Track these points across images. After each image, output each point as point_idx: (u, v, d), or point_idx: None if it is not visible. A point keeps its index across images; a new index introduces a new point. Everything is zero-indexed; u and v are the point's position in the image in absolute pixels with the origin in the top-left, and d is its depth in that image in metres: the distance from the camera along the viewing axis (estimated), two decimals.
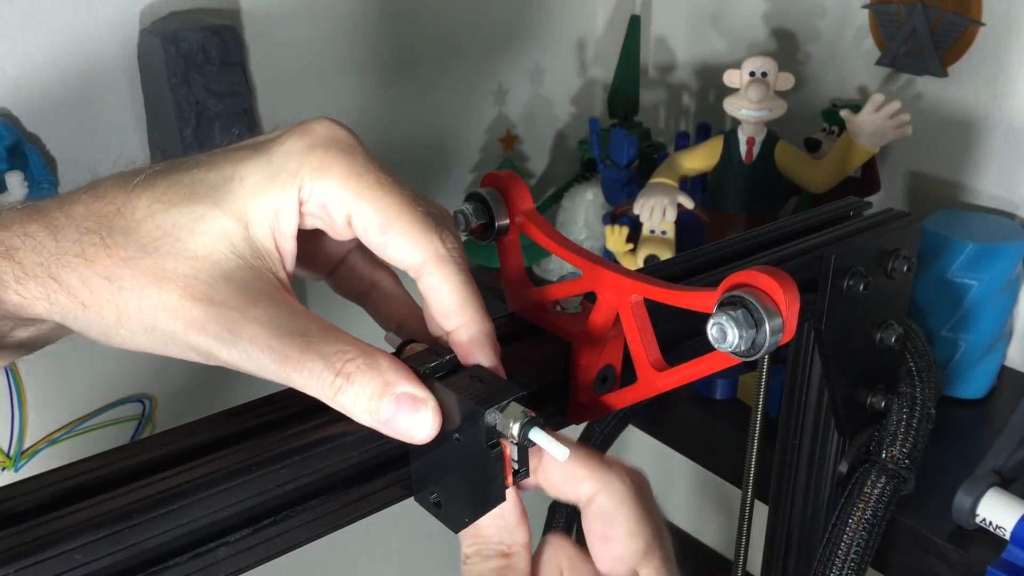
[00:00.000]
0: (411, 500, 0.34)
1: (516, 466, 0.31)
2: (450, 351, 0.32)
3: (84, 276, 0.30)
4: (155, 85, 0.88)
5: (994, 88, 0.85)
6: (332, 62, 1.02)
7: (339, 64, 1.02)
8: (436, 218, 0.32)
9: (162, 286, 0.29)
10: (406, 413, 0.30)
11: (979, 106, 0.87)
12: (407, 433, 0.31)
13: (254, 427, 0.31)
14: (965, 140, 0.88)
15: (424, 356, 0.32)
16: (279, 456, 0.30)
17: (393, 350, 0.34)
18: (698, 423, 0.84)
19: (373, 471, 0.33)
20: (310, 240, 0.35)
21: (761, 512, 0.57)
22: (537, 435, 0.30)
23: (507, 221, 0.38)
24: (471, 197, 0.38)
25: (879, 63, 0.91)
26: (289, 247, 0.32)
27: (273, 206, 0.31)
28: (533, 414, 0.30)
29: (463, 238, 0.36)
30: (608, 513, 0.33)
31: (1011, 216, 0.86)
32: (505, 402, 0.30)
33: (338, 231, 0.32)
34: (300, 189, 0.31)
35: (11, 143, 0.81)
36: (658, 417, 0.88)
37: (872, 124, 0.81)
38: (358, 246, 0.37)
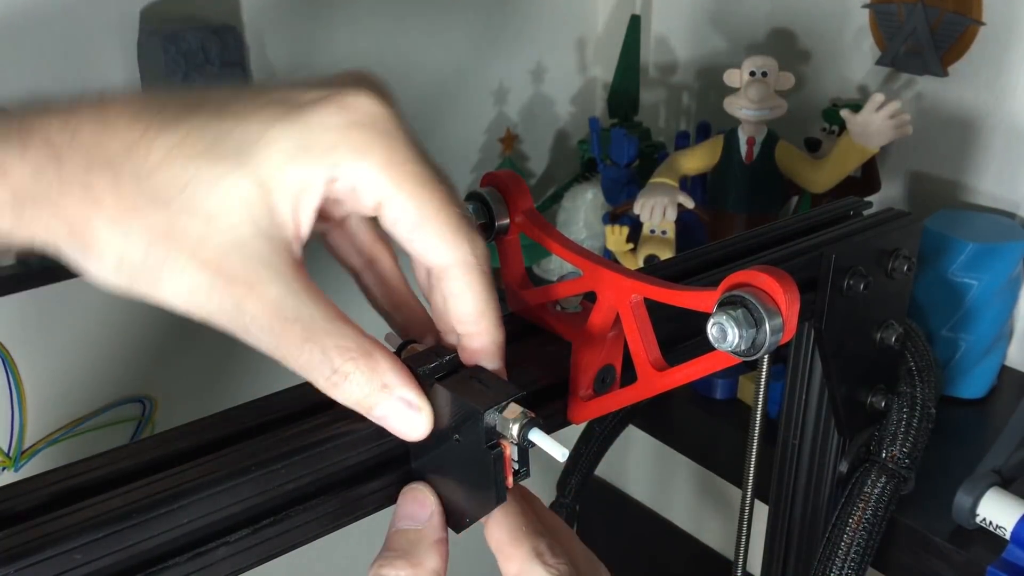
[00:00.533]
0: None
1: (516, 466, 0.31)
2: (450, 352, 0.32)
3: (88, 216, 0.28)
4: (155, 85, 0.88)
5: (994, 88, 0.85)
6: (332, 62, 1.02)
7: (339, 64, 1.02)
8: (469, 221, 0.31)
9: (170, 245, 0.28)
10: (400, 416, 0.30)
11: (979, 106, 0.87)
12: (397, 432, 0.31)
13: (254, 427, 0.31)
14: (965, 140, 0.88)
15: (425, 357, 0.32)
16: (279, 456, 0.30)
17: (393, 349, 0.34)
18: (698, 423, 0.84)
19: (373, 471, 0.33)
20: None
21: (761, 512, 0.57)
22: (536, 436, 0.30)
23: (507, 221, 0.38)
24: (471, 197, 0.38)
25: (879, 63, 0.91)
26: (308, 221, 0.30)
27: (300, 180, 0.29)
28: (532, 415, 0.30)
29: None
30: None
31: (1011, 216, 0.86)
32: (504, 403, 0.30)
33: (360, 210, 0.31)
34: (333, 167, 0.29)
35: None
36: (658, 417, 0.88)
37: (872, 124, 0.81)
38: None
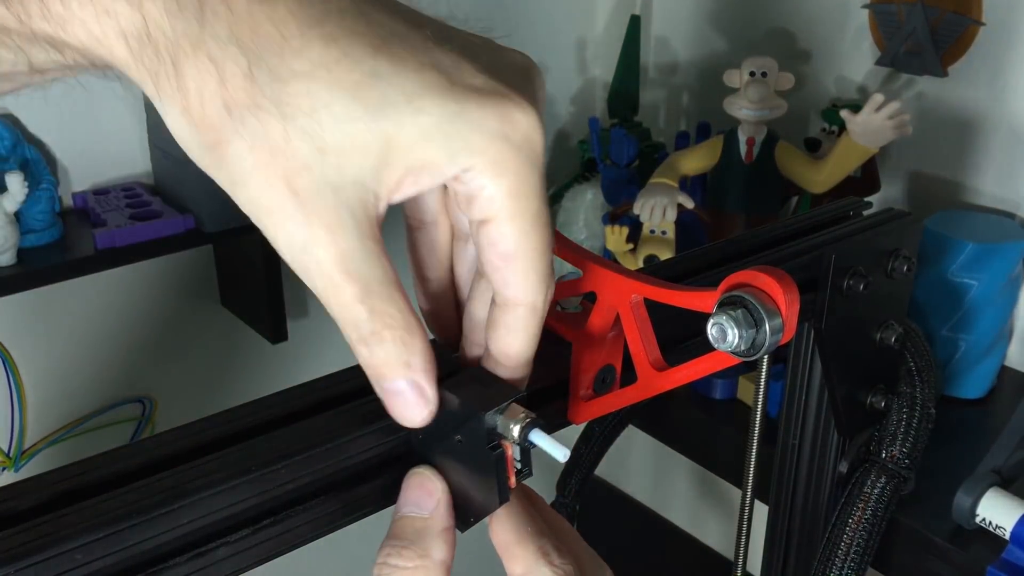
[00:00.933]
0: None
1: (519, 466, 0.31)
2: (451, 352, 0.32)
3: (203, 87, 0.26)
4: None
5: (994, 88, 0.85)
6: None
7: None
8: (553, 269, 0.31)
9: (273, 158, 0.26)
10: (405, 397, 0.30)
11: (979, 106, 0.87)
12: (396, 413, 0.30)
13: (254, 427, 0.31)
14: (965, 140, 0.88)
15: None
16: (279, 456, 0.30)
17: None
18: (698, 423, 0.84)
19: (373, 471, 0.33)
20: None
21: (761, 512, 0.57)
22: (537, 437, 0.30)
23: None
24: None
25: (879, 63, 0.91)
26: (410, 194, 0.29)
27: (425, 162, 0.28)
28: (533, 415, 0.30)
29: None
30: None
31: (1011, 216, 0.86)
32: (505, 404, 0.30)
33: (462, 210, 0.30)
34: (464, 170, 0.28)
35: (11, 143, 0.81)
36: (658, 417, 0.88)
37: (872, 124, 0.81)
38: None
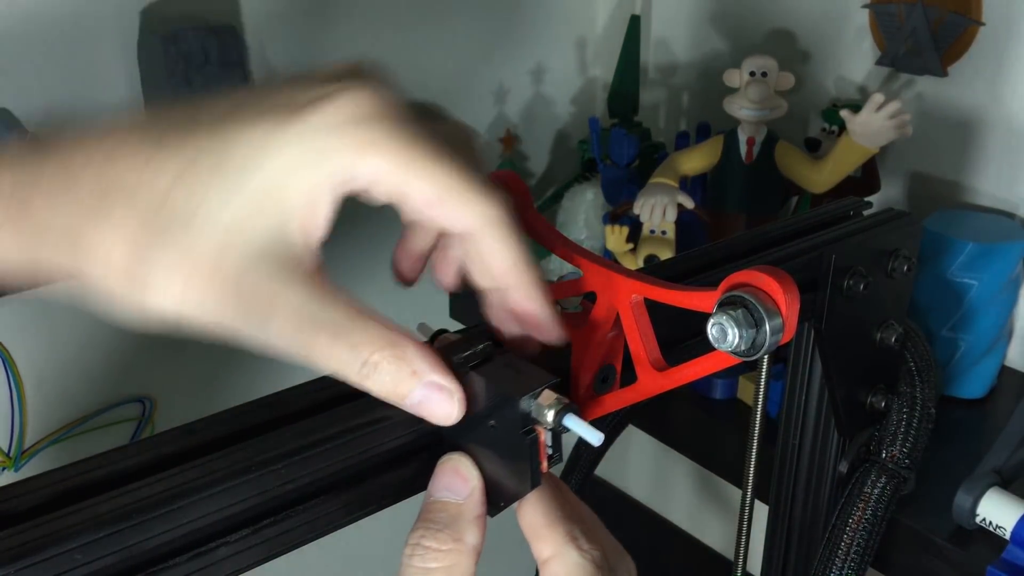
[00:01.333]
0: (413, 501, 0.34)
1: (550, 451, 0.32)
2: (484, 340, 0.33)
3: (107, 242, 0.28)
4: (155, 85, 0.88)
5: (994, 88, 0.85)
6: (331, 62, 1.02)
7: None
8: (490, 184, 0.31)
9: (191, 265, 0.28)
10: (432, 400, 0.31)
11: (979, 106, 0.87)
12: (432, 418, 0.31)
13: (254, 427, 0.31)
14: (965, 140, 0.88)
15: (458, 346, 0.33)
16: (279, 456, 0.30)
17: (426, 339, 0.34)
18: (698, 423, 0.84)
19: (373, 471, 0.33)
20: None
21: (761, 512, 0.57)
22: (571, 421, 0.30)
23: None
24: None
25: (879, 63, 0.91)
26: (324, 224, 0.30)
27: (309, 186, 0.29)
28: (567, 401, 0.31)
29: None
30: None
31: (1011, 216, 0.86)
32: (539, 389, 0.31)
33: (382, 200, 0.31)
34: (342, 168, 0.29)
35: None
36: (658, 417, 0.88)
37: (872, 124, 0.81)
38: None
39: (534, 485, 0.32)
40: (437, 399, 0.31)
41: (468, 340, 0.33)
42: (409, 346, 0.30)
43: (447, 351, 0.32)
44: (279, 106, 0.29)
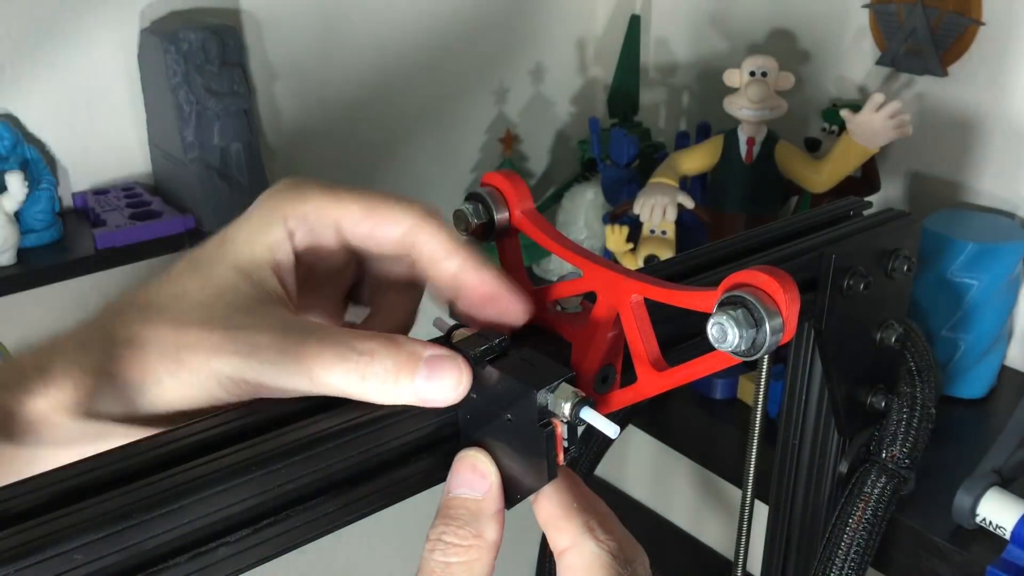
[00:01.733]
0: (413, 501, 0.34)
1: (567, 443, 0.32)
2: (499, 335, 0.33)
3: (106, 349, 0.31)
4: (155, 85, 0.88)
5: (994, 88, 0.85)
6: (331, 63, 1.02)
7: (338, 65, 1.02)
8: (406, 197, 0.35)
9: (181, 328, 0.31)
10: (441, 373, 0.31)
11: (979, 106, 0.87)
12: (444, 391, 0.31)
13: (254, 427, 0.31)
14: (965, 140, 0.88)
15: (474, 340, 0.33)
16: (279, 456, 0.30)
17: (442, 334, 0.35)
18: (698, 423, 0.84)
19: (373, 471, 0.33)
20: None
21: (761, 512, 0.57)
22: (588, 414, 0.31)
23: (507, 221, 0.38)
24: (471, 197, 0.38)
25: (879, 63, 0.91)
26: (291, 281, 0.34)
27: (267, 244, 0.33)
28: (583, 394, 0.31)
29: (463, 239, 0.36)
30: (569, 574, 0.33)
31: (1011, 216, 0.86)
32: (556, 382, 0.31)
33: (329, 249, 0.35)
34: (286, 220, 0.34)
35: (11, 143, 0.81)
36: (658, 417, 0.88)
37: (872, 124, 0.81)
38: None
39: (551, 478, 0.32)
40: (443, 369, 0.31)
41: (483, 335, 0.33)
42: (399, 337, 0.31)
43: (462, 345, 0.32)
44: (228, 225, 0.35)
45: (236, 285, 0.32)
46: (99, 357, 0.32)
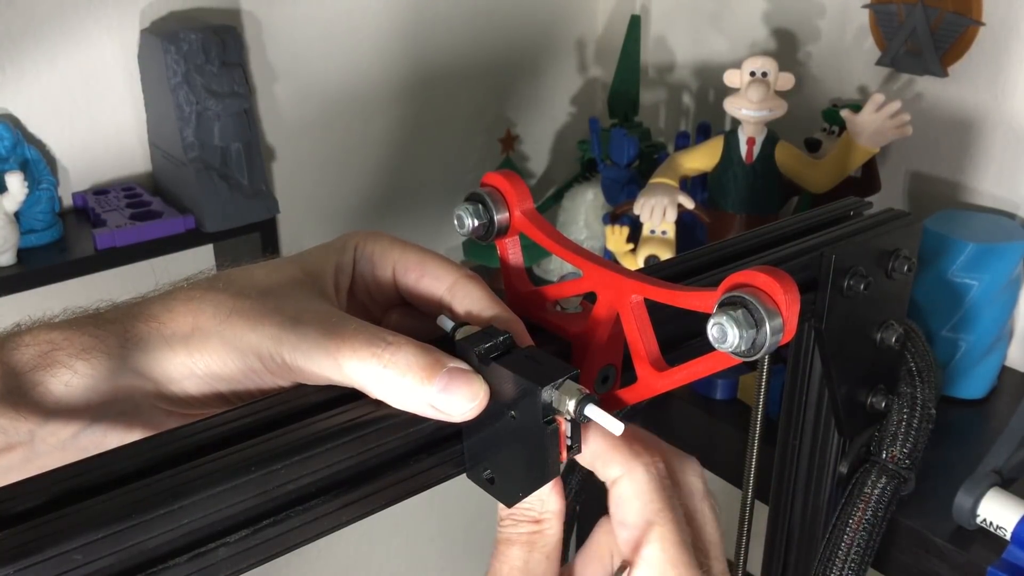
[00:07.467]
0: (413, 501, 0.34)
1: (569, 442, 0.32)
2: (503, 332, 0.33)
3: (167, 303, 0.34)
4: (155, 85, 0.88)
5: (994, 88, 0.85)
6: (331, 63, 1.02)
7: (338, 65, 1.02)
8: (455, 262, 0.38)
9: (238, 297, 0.34)
10: (459, 385, 0.31)
11: (979, 106, 0.87)
12: (459, 405, 0.32)
13: (254, 427, 0.31)
14: (965, 140, 0.88)
15: (479, 337, 0.33)
16: (279, 456, 0.30)
17: (447, 331, 0.35)
18: (698, 423, 0.84)
19: (373, 472, 0.33)
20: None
21: (761, 512, 0.57)
22: (593, 411, 0.31)
23: (507, 221, 0.38)
24: (471, 197, 0.38)
25: (879, 63, 0.91)
26: (344, 298, 0.38)
27: (334, 262, 0.38)
28: (588, 391, 0.31)
29: (463, 238, 0.37)
30: (624, 500, 0.35)
31: (1011, 216, 0.86)
32: (561, 380, 0.31)
33: (383, 282, 0.39)
34: (356, 248, 0.38)
35: (11, 143, 0.81)
36: (658, 417, 0.88)
37: (872, 124, 0.81)
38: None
39: (553, 475, 0.32)
40: (462, 383, 0.31)
41: (487, 332, 0.33)
42: (427, 343, 0.32)
43: (468, 342, 0.32)
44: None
45: (298, 279, 0.36)
46: (156, 309, 0.34)
